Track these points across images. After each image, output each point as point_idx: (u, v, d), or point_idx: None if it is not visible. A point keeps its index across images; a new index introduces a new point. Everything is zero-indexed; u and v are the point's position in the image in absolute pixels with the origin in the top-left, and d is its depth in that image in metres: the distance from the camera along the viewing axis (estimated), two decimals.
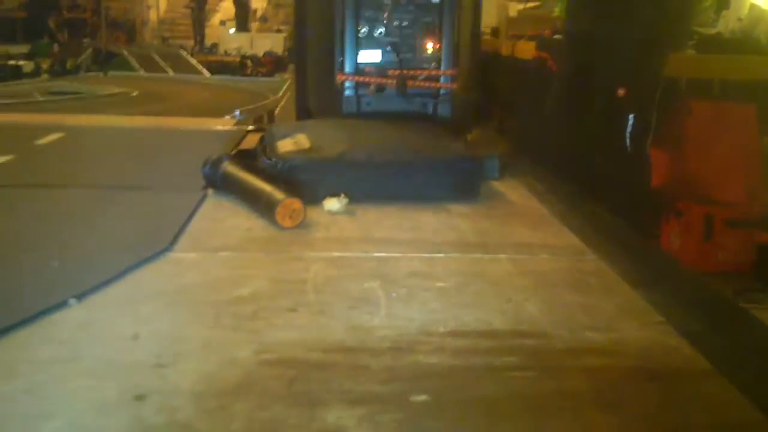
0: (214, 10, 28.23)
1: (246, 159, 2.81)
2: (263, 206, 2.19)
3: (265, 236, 2.05)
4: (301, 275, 1.71)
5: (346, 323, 1.44)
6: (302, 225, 2.14)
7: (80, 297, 1.50)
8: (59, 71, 15.62)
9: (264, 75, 18.51)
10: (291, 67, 21.50)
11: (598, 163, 4.17)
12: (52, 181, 2.64)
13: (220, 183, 2.48)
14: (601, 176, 3.97)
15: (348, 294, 1.59)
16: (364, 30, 3.20)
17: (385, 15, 3.21)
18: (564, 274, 1.79)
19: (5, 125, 3.91)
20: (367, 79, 3.17)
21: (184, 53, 17.57)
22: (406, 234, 2.13)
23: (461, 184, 2.53)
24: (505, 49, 6.19)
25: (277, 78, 9.10)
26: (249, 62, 19.52)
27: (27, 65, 15.19)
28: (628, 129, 4.19)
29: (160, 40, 22.66)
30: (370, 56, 3.22)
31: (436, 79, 3.20)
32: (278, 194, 2.16)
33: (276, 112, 6.31)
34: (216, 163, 2.50)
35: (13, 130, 3.75)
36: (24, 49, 17.58)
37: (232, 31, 25.03)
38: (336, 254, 1.90)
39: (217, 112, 4.81)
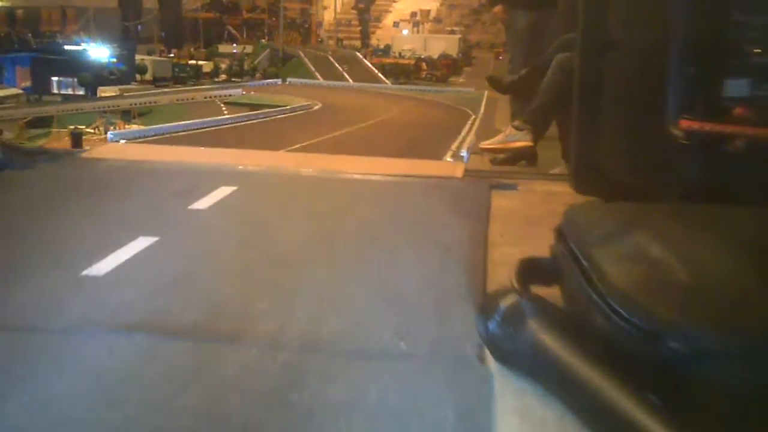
0: (387, 11, 27.72)
1: (543, 278, 1.55)
2: None
3: None
4: None
5: None
6: None
7: None
8: (237, 72, 15.49)
9: (439, 79, 17.59)
10: (466, 70, 20.24)
11: None
12: (212, 305, 1.50)
13: (524, 359, 1.22)
14: None
15: None
16: (730, 43, 1.84)
17: None
18: None
19: (166, 168, 2.90)
20: (736, 129, 1.80)
21: (359, 56, 16.91)
22: None
23: None
24: None
25: (468, 88, 7.73)
26: (424, 65, 18.63)
27: (206, 65, 15.15)
28: None
29: (335, 41, 22.37)
30: (738, 88, 1.86)
31: None
32: None
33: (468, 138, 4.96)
34: (511, 318, 1.25)
35: (173, 177, 2.72)
36: (205, 49, 17.72)
37: (406, 32, 24.34)
38: None
39: (422, 138, 3.58)
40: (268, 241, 1.98)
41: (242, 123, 4.60)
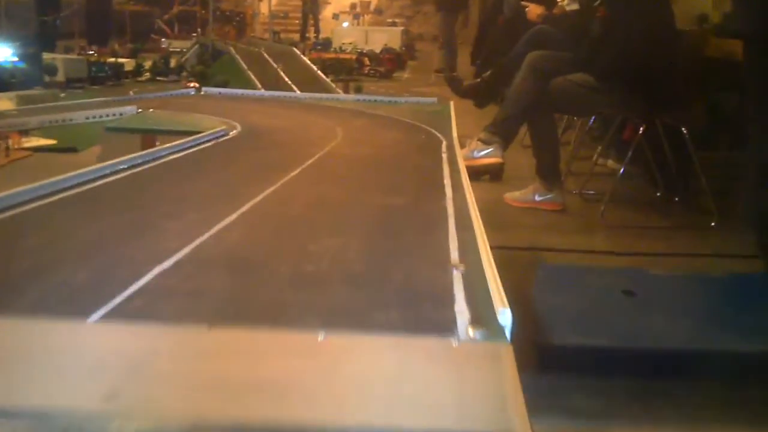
0: (326, 2, 26.34)
1: None
2: None
3: None
4: None
5: None
6: None
7: None
8: (163, 70, 13.86)
9: (383, 75, 16.35)
10: (411, 65, 18.99)
11: None
12: None
13: None
14: None
15: None
16: None
17: None
18: None
19: None
20: None
21: (296, 51, 15.40)
22: None
23: None
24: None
25: (429, 98, 6.19)
26: (366, 60, 17.29)
27: (128, 63, 13.48)
28: None
29: (271, 35, 20.73)
30: None
31: None
32: None
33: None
34: None
35: None
36: (131, 45, 16.06)
37: (346, 24, 22.95)
38: None
39: (392, 202, 2.06)
40: None
41: (103, 180, 2.58)
